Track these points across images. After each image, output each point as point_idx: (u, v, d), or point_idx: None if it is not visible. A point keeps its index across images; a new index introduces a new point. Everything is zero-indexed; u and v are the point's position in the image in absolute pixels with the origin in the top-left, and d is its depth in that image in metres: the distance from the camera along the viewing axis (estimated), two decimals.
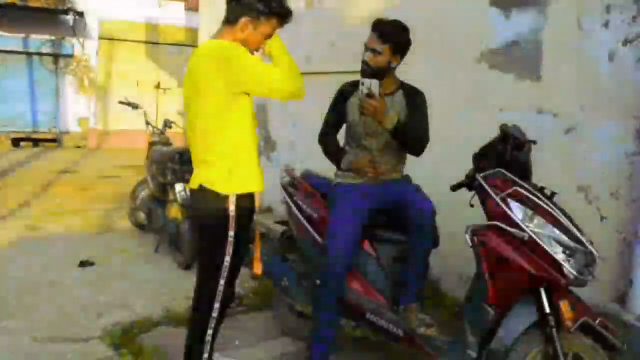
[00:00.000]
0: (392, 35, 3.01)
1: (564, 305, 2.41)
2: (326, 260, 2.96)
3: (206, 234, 2.63)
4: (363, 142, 3.18)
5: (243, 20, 2.49)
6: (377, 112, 2.85)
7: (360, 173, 3.11)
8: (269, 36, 2.58)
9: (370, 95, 2.85)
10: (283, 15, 2.57)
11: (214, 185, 2.51)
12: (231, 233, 2.52)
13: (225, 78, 2.41)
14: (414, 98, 3.17)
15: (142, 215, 5.94)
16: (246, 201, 2.56)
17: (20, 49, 15.30)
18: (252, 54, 2.57)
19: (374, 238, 3.13)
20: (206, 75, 2.44)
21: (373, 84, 2.87)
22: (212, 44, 2.52)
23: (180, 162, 5.13)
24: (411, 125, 3.05)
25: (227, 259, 2.53)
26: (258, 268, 2.87)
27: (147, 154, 5.94)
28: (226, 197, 2.50)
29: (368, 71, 3.05)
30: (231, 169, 2.50)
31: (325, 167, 3.47)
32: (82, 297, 4.30)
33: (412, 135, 3.06)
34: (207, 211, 2.56)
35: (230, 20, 2.53)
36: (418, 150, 3.13)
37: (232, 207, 2.50)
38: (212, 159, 2.52)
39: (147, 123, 6.17)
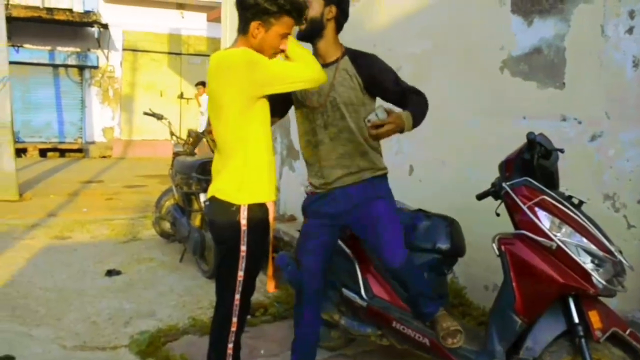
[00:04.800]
0: None
1: (593, 315, 2.38)
2: (301, 276, 2.93)
3: (221, 247, 2.58)
4: (309, 137, 2.86)
5: (253, 24, 2.41)
6: (395, 132, 2.52)
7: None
8: (284, 35, 2.47)
9: (380, 125, 2.46)
10: (294, 11, 2.43)
11: (225, 195, 2.47)
12: (243, 248, 2.45)
13: (243, 84, 2.35)
14: (365, 63, 2.76)
15: (167, 225, 6.01)
16: (259, 214, 2.48)
17: (47, 62, 15.64)
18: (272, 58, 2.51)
19: None
20: (219, 86, 2.40)
21: (379, 112, 2.48)
22: (222, 55, 2.48)
23: (204, 173, 5.18)
24: (413, 102, 2.67)
25: (241, 273, 2.47)
26: (271, 287, 2.82)
27: (172, 164, 6.01)
28: (237, 209, 2.44)
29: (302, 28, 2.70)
30: (243, 179, 2.45)
31: None
32: (109, 306, 4.37)
33: (422, 106, 2.69)
34: (219, 223, 2.52)
35: (242, 28, 2.47)
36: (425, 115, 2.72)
37: (243, 221, 2.44)
38: (226, 169, 2.48)
39: (172, 134, 6.25)
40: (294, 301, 3.05)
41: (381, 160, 2.92)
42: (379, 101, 2.83)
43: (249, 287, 2.55)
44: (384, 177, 2.91)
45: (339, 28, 2.81)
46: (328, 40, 2.76)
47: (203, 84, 12.97)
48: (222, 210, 2.48)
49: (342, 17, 2.81)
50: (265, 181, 2.51)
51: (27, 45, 15.28)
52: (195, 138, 6.12)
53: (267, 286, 2.80)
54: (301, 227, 3.01)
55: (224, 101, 2.41)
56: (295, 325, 3.00)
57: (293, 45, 2.53)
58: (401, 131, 2.55)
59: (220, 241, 2.58)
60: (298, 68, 2.45)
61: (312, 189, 2.91)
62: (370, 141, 2.80)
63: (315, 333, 3.00)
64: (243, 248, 2.46)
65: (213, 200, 2.52)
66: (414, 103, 2.68)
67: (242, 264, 2.47)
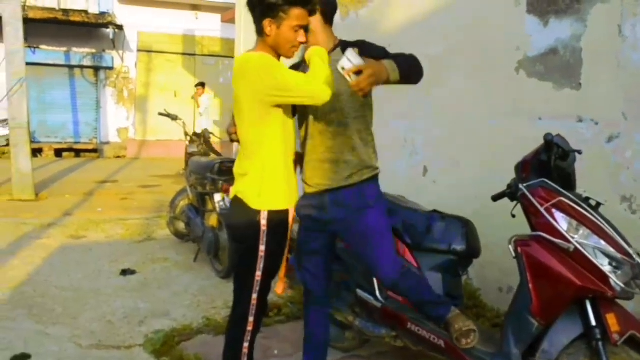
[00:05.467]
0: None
1: (611, 318, 2.35)
2: (303, 278, 2.93)
3: (240, 247, 2.61)
4: (303, 132, 2.75)
5: (264, 23, 2.40)
6: (378, 78, 2.33)
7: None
8: (298, 28, 2.42)
9: (358, 71, 2.29)
10: (299, 1, 2.39)
11: (246, 198, 2.49)
12: (262, 248, 2.47)
13: (256, 90, 2.37)
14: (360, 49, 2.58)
15: (181, 225, 6.04)
16: (279, 216, 2.51)
17: (63, 63, 15.79)
18: (292, 56, 2.49)
19: (415, 248, 3.12)
20: (239, 90, 2.43)
21: (350, 56, 2.31)
22: (241, 59, 2.50)
23: (218, 173, 5.20)
24: (399, 59, 2.48)
25: (258, 273, 2.49)
26: (280, 288, 2.80)
27: (186, 164, 6.04)
28: (258, 211, 2.47)
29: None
30: (262, 185, 2.46)
31: None
32: (124, 305, 4.39)
33: (411, 61, 2.54)
34: (240, 223, 2.54)
35: (258, 30, 2.47)
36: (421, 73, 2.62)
37: (263, 222, 2.45)
38: (247, 173, 2.50)
39: (186, 134, 6.28)
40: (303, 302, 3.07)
41: (372, 157, 2.74)
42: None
43: (266, 287, 2.57)
44: (374, 178, 2.75)
45: (326, 19, 2.69)
46: (316, 33, 2.63)
47: (202, 84, 12.93)
48: (242, 211, 2.50)
49: (327, 8, 2.67)
50: (284, 187, 2.52)
51: (43, 47, 15.43)
52: (207, 138, 6.16)
53: (276, 287, 2.78)
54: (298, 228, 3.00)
55: (244, 105, 2.44)
56: (305, 326, 3.02)
57: (316, 57, 2.45)
58: (386, 81, 2.37)
59: (239, 240, 2.61)
60: (305, 83, 2.36)
61: (305, 187, 2.81)
62: (363, 133, 2.69)
63: (325, 333, 3.00)
64: (262, 248, 2.47)
65: (235, 200, 2.55)
66: (400, 57, 2.52)
67: (260, 264, 2.49)
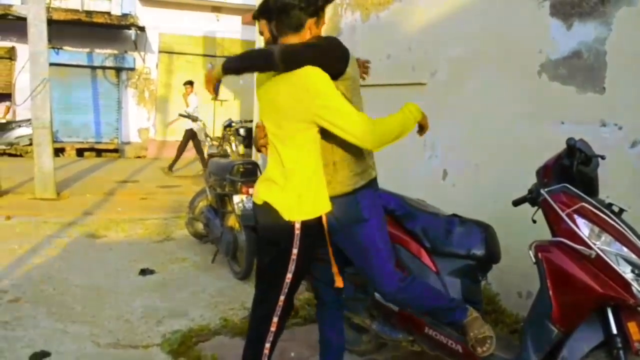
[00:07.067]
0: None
1: (632, 327, 2.32)
2: (315, 283, 2.93)
3: (270, 249, 2.58)
4: None
5: (310, 21, 2.47)
6: (210, 78, 2.63)
7: None
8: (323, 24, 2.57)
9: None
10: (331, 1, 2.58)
11: (280, 209, 2.47)
12: (295, 251, 2.46)
13: (304, 108, 2.37)
14: None
15: (200, 225, 6.06)
16: (312, 222, 2.50)
17: (85, 63, 15.97)
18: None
19: (434, 252, 3.10)
20: (279, 97, 2.44)
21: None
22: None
23: (237, 174, 5.21)
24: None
25: (289, 275, 2.48)
26: (340, 282, 2.79)
27: (201, 164, 6.05)
28: (292, 221, 2.47)
29: None
30: (301, 195, 2.45)
31: (392, 183, 3.41)
32: (142, 304, 4.43)
33: (244, 55, 2.64)
34: (271, 227, 2.53)
35: (295, 27, 2.47)
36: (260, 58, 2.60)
37: (297, 225, 2.45)
38: (278, 183, 2.49)
39: (206, 135, 6.31)
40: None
41: (367, 157, 2.68)
42: None
43: (295, 289, 2.57)
44: (371, 183, 2.68)
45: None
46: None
47: (190, 83, 12.72)
48: (274, 218, 2.48)
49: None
50: (315, 198, 2.51)
51: (66, 48, 15.62)
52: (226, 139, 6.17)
53: (336, 283, 2.79)
54: None
55: (287, 114, 2.43)
56: (319, 330, 3.01)
57: (400, 113, 2.56)
58: (222, 74, 2.58)
59: (270, 243, 2.59)
60: (358, 127, 2.35)
61: None
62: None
63: (339, 337, 3.00)
64: (294, 251, 2.47)
65: (265, 206, 2.53)
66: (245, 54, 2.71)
67: (291, 266, 2.49)
